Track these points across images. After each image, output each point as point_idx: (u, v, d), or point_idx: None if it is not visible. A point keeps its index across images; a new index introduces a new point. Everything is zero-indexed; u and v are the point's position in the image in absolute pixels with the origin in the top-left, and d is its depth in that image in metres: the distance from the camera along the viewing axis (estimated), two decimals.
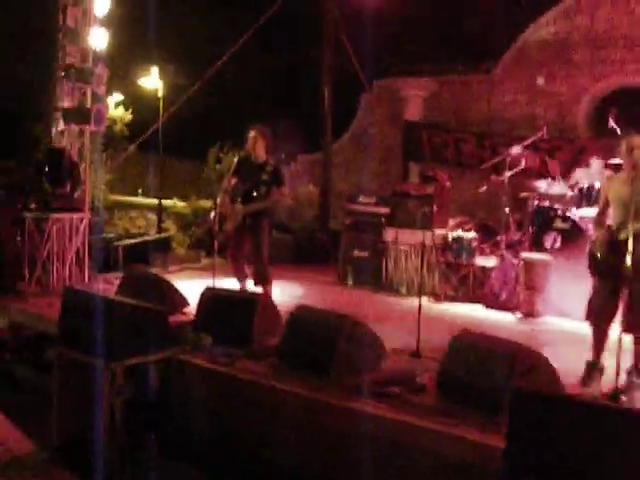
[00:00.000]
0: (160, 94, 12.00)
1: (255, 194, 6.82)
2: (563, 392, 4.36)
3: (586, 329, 7.03)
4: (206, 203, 12.45)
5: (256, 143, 6.91)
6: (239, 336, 5.63)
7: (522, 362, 4.40)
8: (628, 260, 4.63)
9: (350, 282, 9.52)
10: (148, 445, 5.13)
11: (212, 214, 6.84)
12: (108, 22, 8.69)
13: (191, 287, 7.19)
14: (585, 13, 11.32)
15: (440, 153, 12.28)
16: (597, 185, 8.20)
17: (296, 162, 14.05)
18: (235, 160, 6.93)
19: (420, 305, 5.99)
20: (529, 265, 8.14)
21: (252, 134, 6.94)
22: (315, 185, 13.21)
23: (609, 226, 5.20)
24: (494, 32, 11.04)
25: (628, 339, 4.87)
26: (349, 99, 12.77)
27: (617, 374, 4.70)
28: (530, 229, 8.41)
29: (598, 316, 5.26)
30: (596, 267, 5.26)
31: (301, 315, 5.40)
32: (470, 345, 4.76)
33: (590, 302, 5.32)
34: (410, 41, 12.05)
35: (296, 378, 5.00)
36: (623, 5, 10.97)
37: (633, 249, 4.64)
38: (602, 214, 5.38)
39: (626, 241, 4.76)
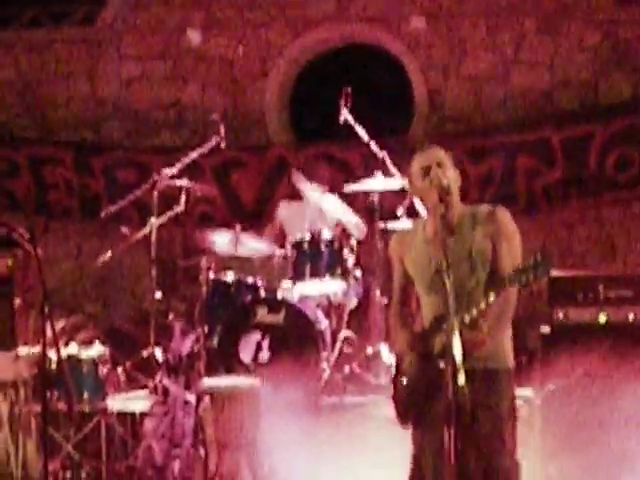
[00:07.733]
0: None
1: None
2: None
3: None
4: None
5: None
6: None
7: None
8: (461, 379, 2.51)
9: None
10: None
11: None
12: None
13: None
14: None
15: None
16: (327, 236, 4.48)
17: None
18: None
19: None
20: (217, 402, 4.23)
21: None
22: None
23: (415, 329, 2.96)
24: None
25: None
26: None
27: None
28: (208, 329, 4.46)
29: None
30: (408, 407, 2.91)
31: None
32: None
33: (413, 471, 2.86)
34: None
35: None
36: None
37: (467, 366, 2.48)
38: (401, 304, 3.07)
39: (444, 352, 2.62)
